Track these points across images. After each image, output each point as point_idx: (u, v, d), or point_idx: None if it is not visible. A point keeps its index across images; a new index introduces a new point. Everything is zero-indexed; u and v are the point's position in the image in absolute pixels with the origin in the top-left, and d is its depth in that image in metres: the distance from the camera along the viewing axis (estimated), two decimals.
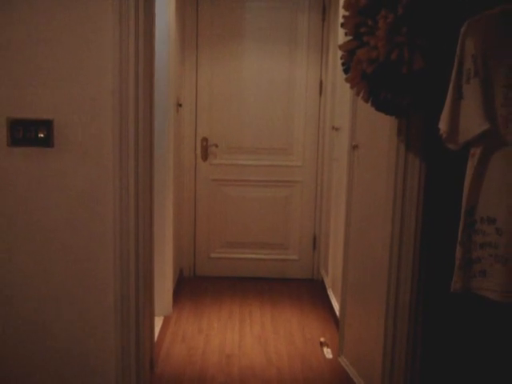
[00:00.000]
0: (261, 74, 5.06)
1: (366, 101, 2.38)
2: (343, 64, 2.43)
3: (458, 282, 2.08)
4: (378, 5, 2.15)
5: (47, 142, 2.61)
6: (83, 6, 2.56)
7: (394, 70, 2.13)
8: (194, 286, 5.08)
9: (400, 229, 2.69)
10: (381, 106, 2.35)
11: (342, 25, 2.36)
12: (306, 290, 5.04)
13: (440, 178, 2.59)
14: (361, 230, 3.27)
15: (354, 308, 3.38)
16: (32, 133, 2.60)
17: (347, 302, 3.49)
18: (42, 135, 2.60)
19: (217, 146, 5.14)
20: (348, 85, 2.51)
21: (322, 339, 3.93)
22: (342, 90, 4.14)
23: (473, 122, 1.97)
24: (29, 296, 2.73)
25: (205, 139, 5.11)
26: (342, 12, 2.41)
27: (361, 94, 2.39)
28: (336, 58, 4.54)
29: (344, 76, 2.50)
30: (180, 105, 4.77)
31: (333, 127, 4.71)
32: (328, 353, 3.74)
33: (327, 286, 4.78)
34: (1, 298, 2.73)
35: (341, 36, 3.89)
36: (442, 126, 2.04)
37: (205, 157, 5.15)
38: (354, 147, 3.32)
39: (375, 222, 2.97)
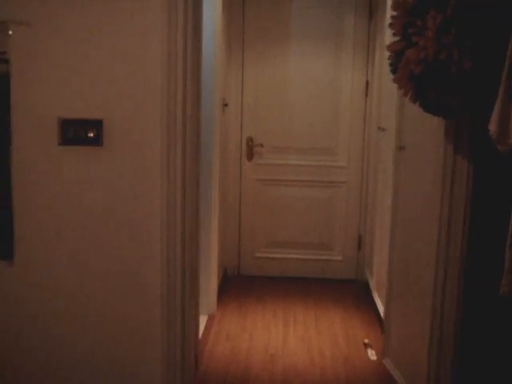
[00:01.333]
0: (306, 74, 5.05)
1: (414, 101, 2.36)
2: (391, 64, 2.42)
3: (506, 286, 2.05)
4: (426, 5, 2.14)
5: (97, 141, 2.66)
6: (132, 6, 2.60)
7: (443, 71, 2.11)
8: (239, 285, 5.11)
9: (447, 231, 2.66)
10: (429, 107, 2.33)
11: (390, 25, 2.35)
12: (349, 290, 5.02)
13: (489, 179, 2.56)
14: (407, 231, 3.24)
15: (398, 309, 3.36)
16: (82, 132, 2.65)
17: (392, 303, 3.46)
18: (91, 134, 2.65)
19: (262, 145, 5.15)
20: (394, 85, 2.50)
21: (366, 340, 3.91)
22: (388, 91, 4.11)
23: None
24: (72, 294, 2.78)
25: (250, 139, 5.13)
26: (389, 12, 2.40)
27: (408, 95, 2.37)
28: (382, 58, 4.51)
29: (391, 76, 2.49)
30: (226, 104, 4.79)
31: (379, 128, 4.68)
32: (372, 354, 3.73)
33: (371, 287, 4.75)
34: (45, 295, 2.79)
35: (388, 36, 3.87)
36: (492, 127, 2.02)
37: (250, 156, 5.17)
38: (401, 148, 3.29)
39: (422, 224, 2.95)
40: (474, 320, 2.69)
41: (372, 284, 4.76)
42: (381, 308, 4.20)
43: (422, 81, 2.21)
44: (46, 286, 2.77)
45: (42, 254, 2.75)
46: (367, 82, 5.09)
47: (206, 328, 4.06)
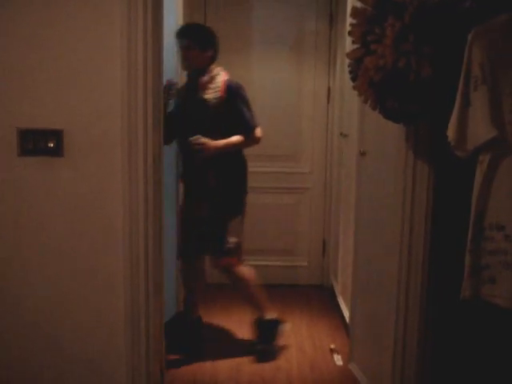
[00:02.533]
0: (269, 81, 5.06)
1: (374, 108, 2.38)
2: (351, 72, 2.44)
3: (467, 290, 2.08)
4: (384, 13, 2.16)
5: (57, 152, 2.63)
6: (92, 16, 2.58)
7: (402, 78, 2.14)
8: (204, 294, 5.07)
9: (409, 235, 2.69)
10: (388, 114, 2.36)
11: (350, 33, 2.37)
12: (315, 296, 5.03)
13: (449, 184, 2.59)
14: (370, 236, 3.26)
15: (363, 314, 3.38)
16: (42, 143, 2.62)
17: (356, 307, 3.48)
18: (51, 145, 2.62)
19: None
20: (356, 92, 2.52)
21: (331, 346, 3.93)
22: (350, 97, 4.15)
23: (481, 129, 1.97)
24: (37, 304, 2.74)
25: None
26: (349, 20, 2.42)
27: (368, 102, 2.40)
28: (344, 65, 4.55)
29: (352, 83, 2.51)
30: None
31: (341, 134, 4.71)
32: (338, 360, 3.74)
33: (337, 293, 4.77)
34: (8, 305, 2.74)
35: (348, 44, 3.90)
36: (450, 133, 2.05)
37: None
38: (362, 154, 3.32)
39: (384, 229, 2.97)
40: (438, 324, 2.72)
41: (337, 289, 4.78)
42: (346, 313, 4.22)
43: (382, 88, 2.24)
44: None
45: None
46: (329, 89, 5.12)
47: None
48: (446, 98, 2.09)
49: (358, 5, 2.32)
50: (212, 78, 3.71)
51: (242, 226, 3.82)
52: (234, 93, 3.69)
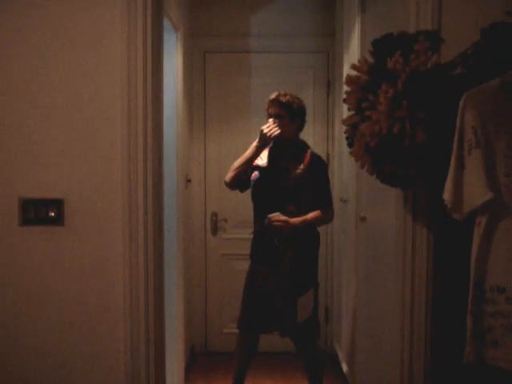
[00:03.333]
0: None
1: (371, 173, 2.41)
2: (347, 138, 2.49)
3: (471, 353, 2.06)
4: (378, 80, 2.21)
5: (58, 221, 2.65)
6: (91, 85, 2.64)
7: (397, 143, 2.17)
8: (206, 362, 5.02)
9: (410, 299, 2.67)
10: (385, 179, 2.39)
11: (345, 100, 2.42)
12: None
13: (448, 247, 2.59)
14: (370, 301, 3.25)
15: (366, 380, 3.32)
16: (43, 212, 2.64)
17: (360, 374, 3.43)
18: (52, 214, 2.64)
19: (226, 220, 5.17)
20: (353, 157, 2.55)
21: None
22: (349, 163, 4.19)
23: (476, 192, 1.99)
24: (41, 370, 2.71)
25: (214, 214, 5.15)
26: (345, 88, 2.47)
27: (365, 167, 2.42)
28: (342, 131, 4.61)
29: (349, 149, 2.54)
30: (189, 180, 4.82)
31: (341, 199, 4.73)
32: None
33: (341, 360, 4.70)
34: (14, 371, 2.71)
35: (345, 110, 3.97)
36: (446, 196, 2.07)
37: (214, 231, 5.17)
38: (362, 219, 3.34)
39: (385, 293, 2.96)
40: None
41: (341, 356, 4.72)
42: (351, 381, 4.16)
43: (378, 153, 2.27)
44: None
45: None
46: (328, 154, 5.17)
47: None
48: (442, 161, 2.12)
49: (353, 73, 2.38)
50: (297, 149, 3.71)
51: (312, 300, 3.69)
52: (317, 166, 3.68)
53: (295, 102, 3.70)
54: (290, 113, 3.66)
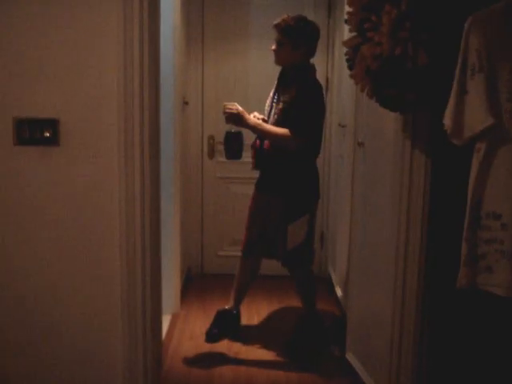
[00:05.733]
0: (266, 70, 4.99)
1: (371, 97, 2.38)
2: (348, 60, 2.44)
3: (463, 278, 2.08)
4: (381, 0, 2.14)
5: (53, 141, 2.62)
6: (87, 7, 2.56)
7: (399, 66, 2.12)
8: (202, 284, 5.10)
9: (406, 225, 2.68)
10: (385, 102, 2.35)
11: (346, 21, 2.36)
12: None
13: (446, 173, 2.58)
14: (367, 226, 3.26)
15: (360, 305, 3.37)
16: (38, 132, 2.61)
17: (354, 298, 3.48)
18: (48, 134, 2.61)
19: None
20: (353, 81, 2.51)
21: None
22: (348, 88, 4.13)
23: (477, 117, 1.96)
24: (35, 293, 2.73)
25: (211, 137, 5.11)
26: (347, 8, 2.41)
27: (365, 91, 2.39)
28: (342, 55, 4.52)
29: (349, 72, 2.50)
30: (186, 103, 4.77)
31: (339, 124, 4.70)
32: (335, 350, 3.74)
33: (335, 283, 4.77)
34: (7, 296, 2.74)
35: (346, 33, 3.89)
36: (447, 121, 2.04)
37: (211, 155, 5.15)
38: (360, 144, 3.31)
39: (381, 218, 2.97)
40: (435, 313, 2.71)
41: (335, 280, 4.78)
42: (344, 304, 4.23)
43: (379, 76, 2.23)
44: None
45: None
46: (327, 79, 5.11)
47: (170, 327, 4.03)
48: (444, 85, 2.08)
49: None
50: (297, 77, 3.60)
51: (305, 227, 3.68)
52: (303, 94, 3.52)
53: (297, 25, 3.55)
54: (291, 38, 3.54)
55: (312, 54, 3.64)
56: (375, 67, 2.19)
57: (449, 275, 2.24)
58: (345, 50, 2.47)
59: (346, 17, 2.39)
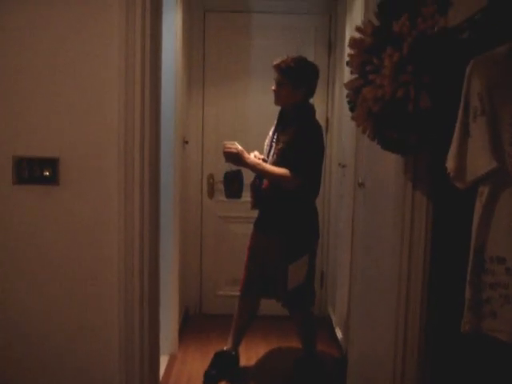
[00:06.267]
0: (267, 110, 5.01)
1: (372, 139, 2.36)
2: (349, 102, 2.43)
3: (468, 323, 2.04)
4: (383, 43, 2.15)
5: (53, 180, 2.61)
6: (87, 45, 2.57)
7: (400, 109, 2.12)
8: (200, 324, 5.04)
9: (407, 268, 2.64)
10: (387, 144, 2.34)
11: (348, 63, 2.36)
12: None
13: (448, 216, 2.56)
14: (367, 268, 3.23)
15: (361, 347, 3.32)
16: (37, 171, 2.59)
17: (354, 344, 3.43)
18: (47, 173, 2.60)
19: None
20: (353, 122, 2.50)
21: None
22: (348, 128, 4.14)
23: (480, 161, 1.94)
24: (32, 334, 2.70)
25: (211, 176, 5.10)
26: (347, 49, 2.41)
27: (367, 132, 2.38)
28: (342, 94, 4.55)
29: (350, 114, 2.49)
30: (186, 142, 4.77)
31: (339, 164, 4.70)
32: None
33: (334, 324, 4.72)
34: (3, 336, 2.70)
35: (347, 73, 3.91)
36: (450, 164, 2.02)
37: (211, 194, 5.13)
38: (360, 185, 3.30)
39: (382, 262, 2.94)
40: (437, 360, 2.67)
41: (335, 321, 4.73)
42: (344, 346, 4.17)
43: (380, 118, 2.22)
44: None
45: None
46: (327, 119, 5.12)
47: (167, 369, 3.98)
48: (446, 128, 2.07)
49: (357, 35, 2.32)
50: (296, 118, 3.60)
51: (305, 267, 3.66)
52: (301, 135, 3.52)
53: (297, 66, 3.56)
54: (291, 79, 3.55)
55: (311, 93, 3.65)
56: (377, 110, 2.18)
57: (451, 319, 2.21)
58: (346, 91, 2.47)
59: (347, 59, 2.39)
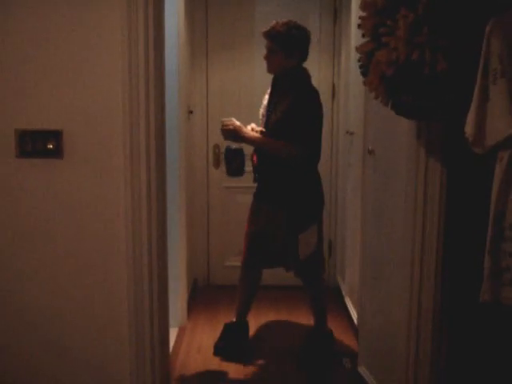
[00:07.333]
0: (271, 78, 4.97)
1: (386, 104, 2.29)
2: (361, 67, 2.35)
3: (486, 293, 1.99)
4: (396, 4, 2.06)
5: (56, 153, 2.55)
6: (92, 14, 2.50)
7: (415, 72, 2.04)
8: (209, 295, 5.02)
9: (421, 237, 2.59)
10: (401, 110, 2.26)
11: (359, 26, 2.28)
12: None
13: (464, 184, 2.50)
14: (379, 237, 3.17)
15: (373, 316, 3.29)
16: (41, 144, 2.54)
17: (366, 309, 3.39)
18: (51, 146, 2.54)
19: None
20: (362, 88, 2.43)
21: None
22: (356, 94, 4.06)
23: (500, 125, 1.88)
24: (38, 308, 2.67)
25: (217, 146, 5.03)
26: (356, 13, 2.33)
27: (379, 98, 2.31)
28: (348, 60, 4.47)
29: (360, 79, 2.42)
30: (191, 112, 4.70)
31: (347, 132, 4.62)
32: (347, 362, 3.66)
33: (344, 293, 4.69)
34: (6, 308, 2.68)
35: (353, 38, 3.82)
36: (468, 129, 1.96)
37: (217, 164, 5.06)
38: (370, 152, 3.23)
39: (394, 230, 2.88)
40: (453, 326, 2.63)
41: (344, 290, 4.70)
42: (354, 315, 4.14)
43: (394, 83, 2.14)
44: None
45: None
46: (333, 85, 5.04)
47: (177, 340, 3.95)
48: (463, 92, 2.00)
49: None
50: (291, 83, 3.52)
51: (315, 236, 3.63)
52: (300, 102, 3.45)
53: (286, 31, 3.46)
54: (281, 44, 3.45)
55: (304, 58, 3.56)
56: (390, 73, 2.11)
57: (470, 288, 2.16)
58: (353, 55, 2.39)
59: (358, 21, 2.30)
